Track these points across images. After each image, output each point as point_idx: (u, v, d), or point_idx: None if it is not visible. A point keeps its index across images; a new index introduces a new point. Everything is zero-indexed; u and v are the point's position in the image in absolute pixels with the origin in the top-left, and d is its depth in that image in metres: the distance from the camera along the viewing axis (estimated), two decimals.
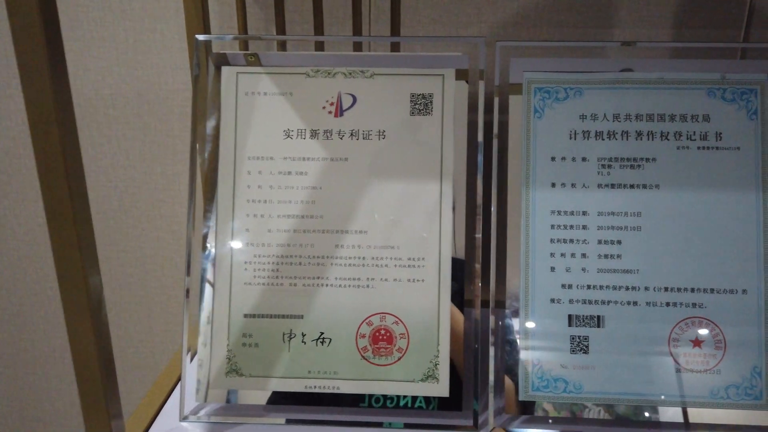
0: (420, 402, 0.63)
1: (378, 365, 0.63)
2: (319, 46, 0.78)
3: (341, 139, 0.64)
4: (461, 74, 0.64)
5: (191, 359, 0.64)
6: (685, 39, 0.80)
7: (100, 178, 0.93)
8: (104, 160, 0.92)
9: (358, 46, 0.78)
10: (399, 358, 0.63)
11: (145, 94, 0.88)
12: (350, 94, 0.65)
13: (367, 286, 0.63)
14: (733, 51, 0.76)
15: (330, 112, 0.65)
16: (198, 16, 0.74)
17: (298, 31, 0.84)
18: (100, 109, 0.90)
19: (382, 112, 0.64)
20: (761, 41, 0.80)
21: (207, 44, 0.65)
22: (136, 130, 0.91)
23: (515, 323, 0.63)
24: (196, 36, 0.65)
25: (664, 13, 0.80)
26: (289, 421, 0.63)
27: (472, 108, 0.64)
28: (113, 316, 1.00)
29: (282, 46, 0.78)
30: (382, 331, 0.63)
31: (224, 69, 0.65)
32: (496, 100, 0.64)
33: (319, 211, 0.64)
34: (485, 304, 0.63)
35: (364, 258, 0.64)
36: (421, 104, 0.64)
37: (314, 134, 0.64)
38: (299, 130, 0.65)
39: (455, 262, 0.63)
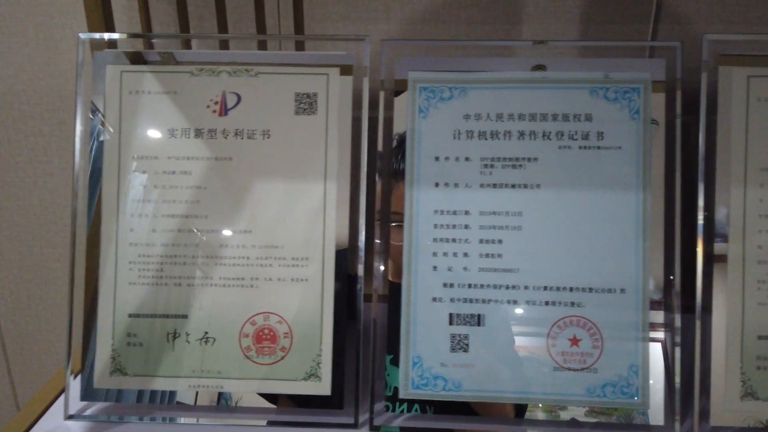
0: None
1: (261, 364, 0.63)
2: (227, 45, 0.78)
3: (225, 138, 0.64)
4: (347, 72, 0.64)
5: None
6: (594, 35, 0.80)
7: (19, 174, 0.93)
8: (21, 156, 0.92)
9: (263, 45, 0.77)
10: (282, 357, 0.63)
11: (59, 90, 0.88)
12: (235, 93, 0.64)
13: (251, 285, 0.64)
14: (640, 49, 0.76)
15: (214, 111, 0.64)
16: (98, 12, 0.73)
17: (208, 28, 0.83)
18: (15, 105, 0.89)
19: (267, 111, 0.64)
20: (669, 37, 0.80)
21: (93, 42, 0.65)
22: (52, 126, 0.90)
23: (405, 322, 0.63)
24: (79, 34, 0.64)
25: (572, 8, 0.80)
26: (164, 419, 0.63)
27: (357, 107, 0.64)
28: (40, 309, 1.00)
29: (188, 44, 0.77)
30: (266, 331, 0.63)
31: (109, 68, 0.65)
32: (382, 100, 0.64)
33: (204, 210, 0.64)
34: (368, 299, 0.63)
35: (248, 258, 0.64)
36: (306, 103, 0.64)
37: (198, 133, 0.64)
38: (184, 129, 0.64)
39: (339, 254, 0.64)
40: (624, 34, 0.80)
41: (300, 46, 0.78)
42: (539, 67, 0.65)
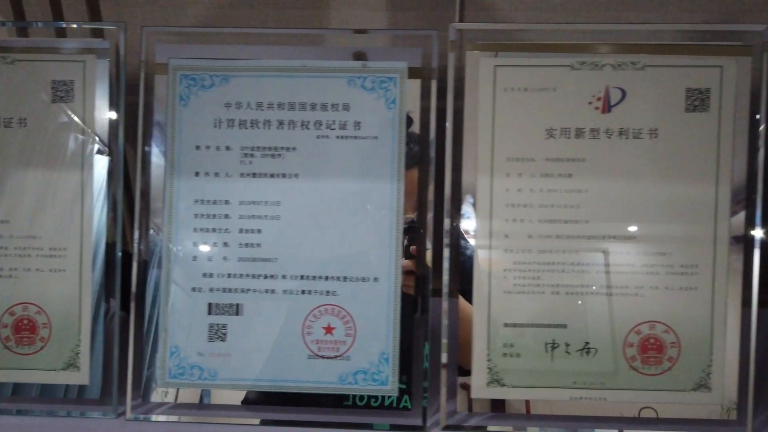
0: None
1: (21, 354, 0.63)
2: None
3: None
4: (107, 57, 0.63)
5: None
6: (400, 23, 0.80)
7: None
8: None
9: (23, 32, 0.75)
10: (42, 348, 0.63)
11: None
12: None
13: (10, 276, 0.63)
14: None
15: None
16: None
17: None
18: None
19: (21, 98, 0.63)
20: (478, 21, 0.79)
21: None
22: None
23: (164, 312, 0.63)
24: None
25: None
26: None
27: (131, 92, 0.63)
28: None
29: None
30: (25, 321, 0.63)
31: None
32: (142, 86, 0.63)
33: None
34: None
35: (6, 248, 0.63)
36: (63, 91, 0.63)
37: None
38: None
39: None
40: (430, 20, 0.80)
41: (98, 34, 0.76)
42: (360, 55, 0.64)
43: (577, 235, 0.60)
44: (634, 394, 0.61)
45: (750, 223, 0.59)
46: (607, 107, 0.60)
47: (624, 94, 0.60)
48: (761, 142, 0.59)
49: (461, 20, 0.80)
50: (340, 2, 0.80)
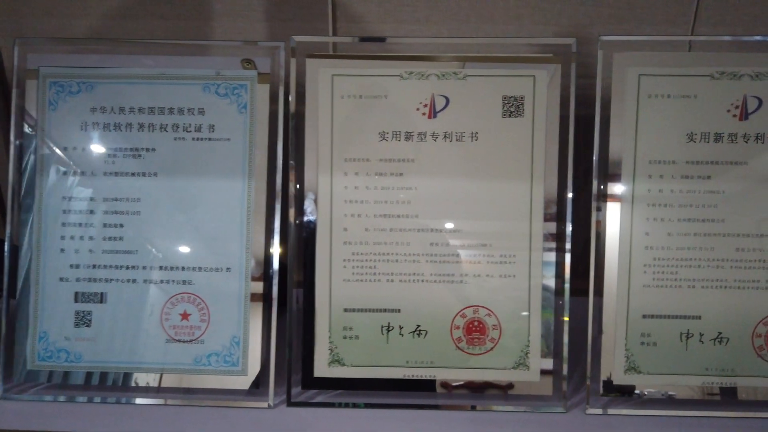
0: None
1: None
2: None
3: None
4: None
5: None
6: (278, 34, 0.86)
7: None
8: None
9: None
10: None
11: None
12: None
13: None
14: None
15: None
16: None
17: None
18: None
19: None
20: (349, 34, 0.85)
21: None
22: None
23: (33, 300, 0.68)
24: None
25: (256, 7, 0.85)
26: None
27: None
28: None
29: None
30: None
31: None
32: (14, 92, 0.69)
33: None
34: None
35: None
36: None
37: None
38: None
39: None
40: (306, 30, 0.86)
41: None
42: (248, 62, 0.70)
43: (409, 228, 0.67)
44: (462, 372, 0.67)
45: (561, 219, 0.66)
46: (433, 113, 0.66)
47: (447, 101, 0.66)
48: (570, 145, 0.65)
49: (334, 32, 0.86)
50: (224, 14, 0.86)
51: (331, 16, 0.85)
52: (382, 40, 0.68)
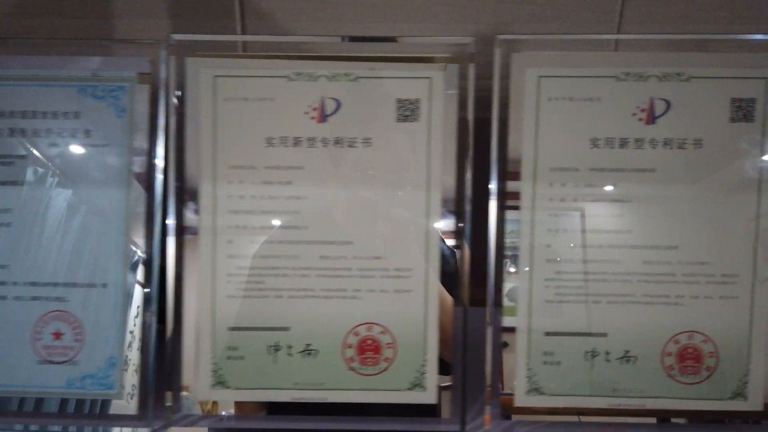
0: None
1: None
2: None
3: None
4: None
5: None
6: (185, 31, 0.81)
7: None
8: None
9: None
10: None
11: None
12: None
13: None
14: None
15: None
16: None
17: None
18: None
19: None
20: (258, 32, 0.81)
21: None
22: None
23: None
24: None
25: (161, 3, 0.80)
26: None
27: None
28: None
29: None
30: None
31: None
32: None
33: None
34: None
35: None
36: None
37: None
38: None
39: None
40: (213, 28, 0.81)
41: None
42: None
43: (298, 241, 0.62)
44: (354, 394, 0.63)
45: (459, 227, 0.62)
46: (323, 117, 0.62)
47: (339, 104, 0.62)
48: (470, 149, 0.61)
49: (243, 30, 0.82)
50: (126, 12, 0.82)
51: (239, 14, 0.81)
52: (267, 38, 0.64)
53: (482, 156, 0.62)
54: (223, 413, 0.63)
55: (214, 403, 0.63)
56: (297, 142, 0.62)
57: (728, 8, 0.78)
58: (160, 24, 0.82)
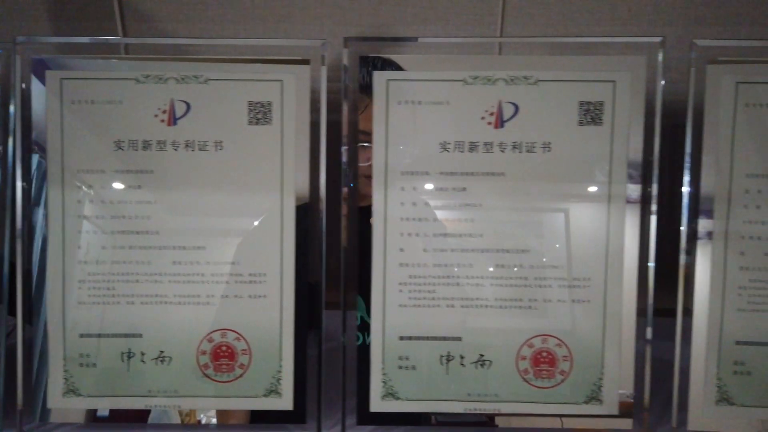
0: None
1: None
2: None
3: None
4: None
5: None
6: (64, 32, 0.80)
7: None
8: None
9: None
10: None
11: None
12: None
13: None
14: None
15: None
16: None
17: None
18: None
19: None
20: (139, 34, 0.80)
21: None
22: None
23: None
24: None
25: (39, 6, 0.79)
26: None
27: None
28: None
29: None
30: None
31: None
32: None
33: None
34: None
35: None
36: None
37: None
38: None
39: None
40: (92, 30, 0.80)
41: None
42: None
43: (149, 246, 0.61)
44: (208, 401, 0.62)
45: (314, 230, 0.61)
46: (173, 120, 0.61)
47: (189, 107, 0.61)
48: (322, 152, 0.60)
49: (124, 33, 0.80)
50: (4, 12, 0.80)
51: (119, 15, 0.80)
52: (114, 39, 0.63)
53: (336, 158, 0.61)
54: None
55: None
56: (146, 145, 0.61)
57: (608, 10, 0.78)
58: (38, 26, 0.81)
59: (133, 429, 0.62)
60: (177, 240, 0.61)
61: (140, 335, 0.61)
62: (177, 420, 0.62)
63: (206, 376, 0.62)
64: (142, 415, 0.62)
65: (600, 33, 0.77)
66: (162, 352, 0.62)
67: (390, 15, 0.79)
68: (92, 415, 0.62)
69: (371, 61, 0.60)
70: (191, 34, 0.80)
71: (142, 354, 0.62)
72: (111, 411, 0.62)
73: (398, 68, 0.60)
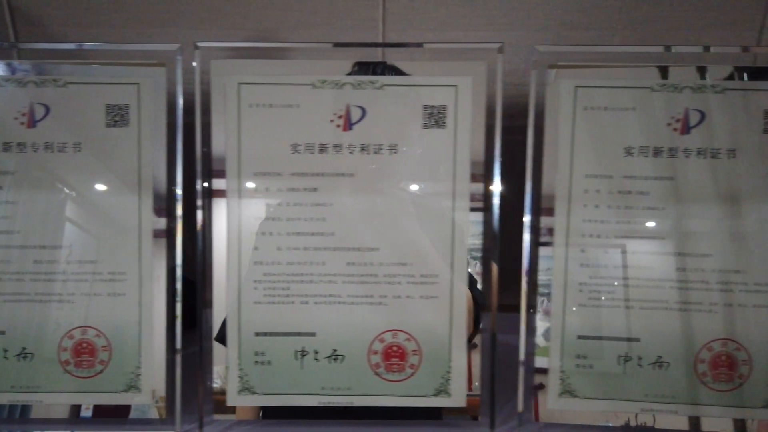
0: None
1: None
2: None
3: None
4: None
5: None
6: None
7: None
8: None
9: None
10: None
11: None
12: None
13: None
14: None
15: None
16: None
17: None
18: None
19: None
20: (31, 39, 0.81)
21: None
22: None
23: None
24: None
25: None
26: None
27: None
28: None
29: None
30: None
31: None
32: None
33: None
34: None
35: None
36: None
37: None
38: None
39: None
40: None
41: None
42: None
43: (10, 246, 0.63)
44: (69, 396, 0.63)
45: (170, 233, 0.63)
46: (33, 123, 0.62)
47: (48, 110, 0.62)
48: (179, 154, 0.62)
49: (15, 37, 0.82)
50: None
51: (10, 20, 0.81)
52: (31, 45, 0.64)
53: (191, 158, 0.63)
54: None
55: None
56: (6, 147, 0.62)
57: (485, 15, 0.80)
58: None
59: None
60: (43, 240, 0.63)
61: (3, 333, 0.63)
62: None
63: (68, 372, 0.63)
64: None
65: (475, 38, 0.80)
66: (24, 348, 0.63)
67: (277, 19, 0.81)
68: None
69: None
70: (82, 39, 0.81)
71: (5, 351, 0.63)
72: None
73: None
